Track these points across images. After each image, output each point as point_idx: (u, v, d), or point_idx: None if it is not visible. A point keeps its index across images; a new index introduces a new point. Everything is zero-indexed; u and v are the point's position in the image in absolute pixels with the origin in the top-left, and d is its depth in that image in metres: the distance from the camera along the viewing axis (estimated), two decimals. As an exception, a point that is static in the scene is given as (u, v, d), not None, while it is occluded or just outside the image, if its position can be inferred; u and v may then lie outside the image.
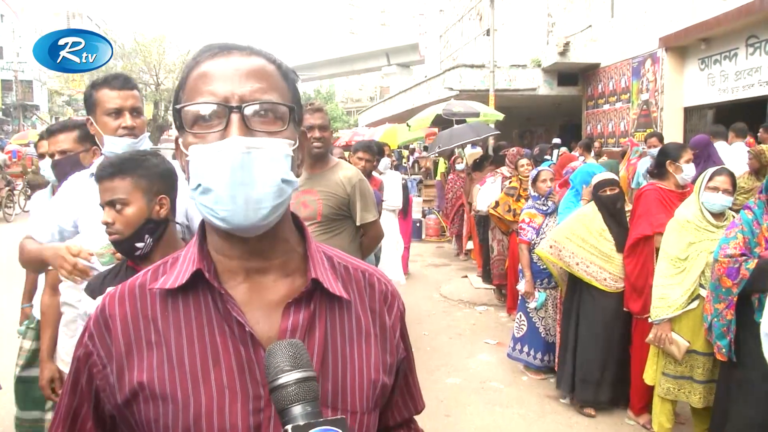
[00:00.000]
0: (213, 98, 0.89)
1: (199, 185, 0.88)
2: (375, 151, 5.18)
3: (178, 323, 0.94)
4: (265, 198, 0.88)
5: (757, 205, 3.22)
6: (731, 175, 3.63)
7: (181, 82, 0.96)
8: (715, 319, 3.23)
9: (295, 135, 0.95)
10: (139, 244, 1.91)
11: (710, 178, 3.61)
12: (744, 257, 3.13)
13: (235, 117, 0.88)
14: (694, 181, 3.95)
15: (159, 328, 0.94)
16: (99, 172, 1.91)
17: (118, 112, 2.35)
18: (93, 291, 1.95)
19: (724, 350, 3.20)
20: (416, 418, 1.27)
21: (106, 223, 1.89)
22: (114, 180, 1.88)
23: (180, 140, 0.94)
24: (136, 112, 2.39)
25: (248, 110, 0.89)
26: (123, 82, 2.39)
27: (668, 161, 4.23)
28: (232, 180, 0.86)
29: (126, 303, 0.97)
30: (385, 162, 6.71)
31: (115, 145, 2.35)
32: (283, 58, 1.01)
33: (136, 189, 1.90)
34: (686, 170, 4.15)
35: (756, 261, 3.08)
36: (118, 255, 2.06)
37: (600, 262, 4.29)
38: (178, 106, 0.91)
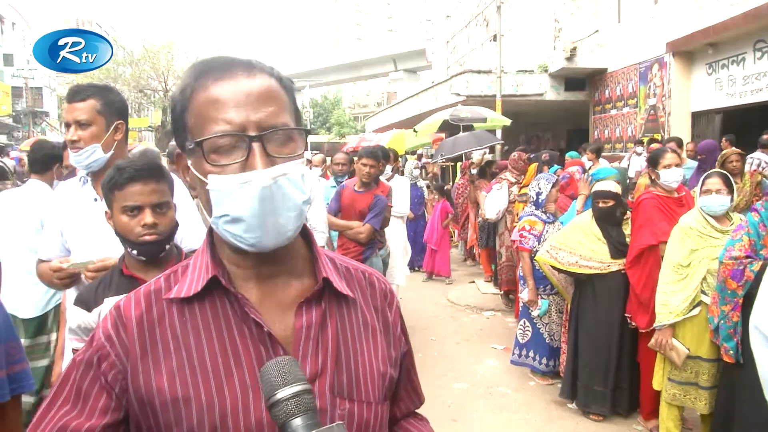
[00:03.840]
0: (230, 127, 0.90)
1: (227, 215, 0.92)
2: (380, 156, 5.19)
3: (196, 328, 0.97)
4: (290, 222, 0.94)
5: (764, 207, 3.21)
6: (723, 176, 3.64)
7: (182, 103, 0.96)
8: (722, 321, 3.23)
9: (303, 149, 0.99)
10: (167, 246, 1.98)
11: (703, 183, 3.65)
12: (749, 259, 3.13)
13: (256, 147, 0.90)
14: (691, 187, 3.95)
15: (177, 333, 0.97)
16: (146, 174, 1.92)
17: (67, 126, 2.36)
18: (87, 303, 1.95)
19: (731, 352, 3.19)
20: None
21: (152, 225, 1.90)
22: (160, 183, 1.95)
23: (190, 162, 0.96)
24: (81, 124, 2.33)
25: (267, 138, 0.91)
26: (73, 94, 2.36)
27: (649, 169, 4.25)
28: (261, 210, 0.90)
29: (142, 307, 1.00)
30: (385, 170, 6.70)
31: (69, 158, 2.38)
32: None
33: (170, 194, 2.00)
34: (665, 176, 4.12)
35: (761, 263, 3.07)
36: (89, 269, 2.13)
37: (598, 259, 4.32)
38: (198, 140, 0.92)
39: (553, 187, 5.16)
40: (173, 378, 0.94)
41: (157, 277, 1.05)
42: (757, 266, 3.07)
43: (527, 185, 6.66)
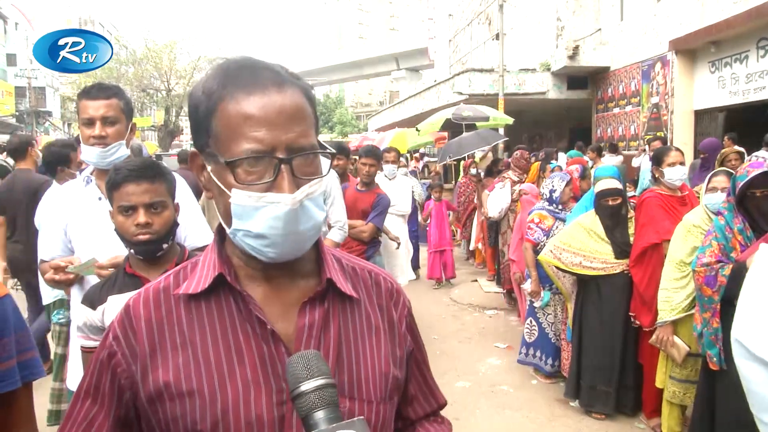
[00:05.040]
0: (260, 146, 0.92)
1: (249, 231, 0.94)
2: (379, 155, 5.23)
3: (202, 325, 1.00)
4: (310, 239, 0.99)
5: (727, 209, 3.21)
6: (729, 174, 3.64)
7: (208, 107, 0.96)
8: (705, 329, 3.19)
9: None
10: (165, 245, 2.00)
11: (709, 181, 3.65)
12: (720, 264, 3.12)
13: (285, 169, 0.92)
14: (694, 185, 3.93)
15: (184, 330, 1.00)
16: (138, 174, 1.93)
17: (90, 122, 2.37)
18: (92, 301, 1.99)
19: (715, 359, 3.14)
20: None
21: (145, 224, 1.92)
22: (155, 183, 1.96)
23: (210, 168, 0.98)
24: (108, 121, 2.37)
25: (295, 160, 0.94)
26: (96, 91, 2.38)
27: (653, 167, 4.25)
28: (285, 230, 0.93)
29: (150, 305, 1.02)
30: (389, 168, 6.71)
31: (87, 154, 2.39)
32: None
33: (168, 193, 2.01)
34: (669, 174, 4.12)
35: (731, 266, 3.07)
36: (99, 265, 2.17)
37: (601, 259, 4.31)
38: (229, 160, 0.92)
39: (566, 185, 5.17)
40: (179, 373, 0.97)
41: (167, 274, 1.08)
42: (727, 270, 3.06)
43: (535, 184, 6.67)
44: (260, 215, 0.92)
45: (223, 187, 0.95)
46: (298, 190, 0.92)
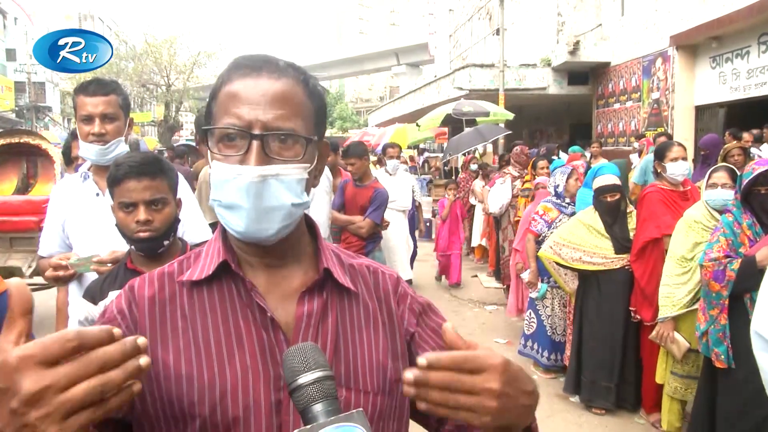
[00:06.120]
0: (238, 122, 0.95)
1: (219, 201, 0.98)
2: (358, 152, 5.14)
3: (203, 310, 1.02)
4: (274, 220, 0.98)
5: (735, 206, 3.21)
6: (729, 170, 3.63)
7: (213, 93, 1.02)
8: (712, 327, 3.17)
9: (314, 155, 1.03)
10: (166, 242, 1.98)
11: (709, 177, 3.64)
12: (729, 259, 3.11)
13: (255, 144, 0.94)
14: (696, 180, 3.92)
15: (186, 313, 1.01)
16: (139, 170, 1.91)
17: (88, 119, 2.34)
18: (93, 296, 1.97)
19: (722, 357, 3.11)
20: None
21: (145, 221, 1.90)
22: (156, 179, 1.93)
23: (208, 147, 1.02)
24: (107, 118, 2.35)
25: (269, 138, 0.96)
26: (95, 88, 2.35)
27: (656, 162, 4.25)
28: (246, 203, 0.95)
29: (155, 286, 1.04)
30: (392, 163, 6.72)
31: (86, 151, 2.37)
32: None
33: (170, 189, 1.99)
34: (671, 169, 4.11)
35: (740, 260, 3.05)
36: (99, 260, 2.16)
37: (601, 254, 4.31)
38: (206, 127, 0.99)
39: (569, 177, 5.18)
40: (179, 355, 0.99)
41: (172, 262, 1.09)
42: (736, 264, 3.05)
43: (530, 180, 6.66)
44: (229, 186, 0.95)
45: (210, 161, 1.00)
46: (264, 166, 0.94)
